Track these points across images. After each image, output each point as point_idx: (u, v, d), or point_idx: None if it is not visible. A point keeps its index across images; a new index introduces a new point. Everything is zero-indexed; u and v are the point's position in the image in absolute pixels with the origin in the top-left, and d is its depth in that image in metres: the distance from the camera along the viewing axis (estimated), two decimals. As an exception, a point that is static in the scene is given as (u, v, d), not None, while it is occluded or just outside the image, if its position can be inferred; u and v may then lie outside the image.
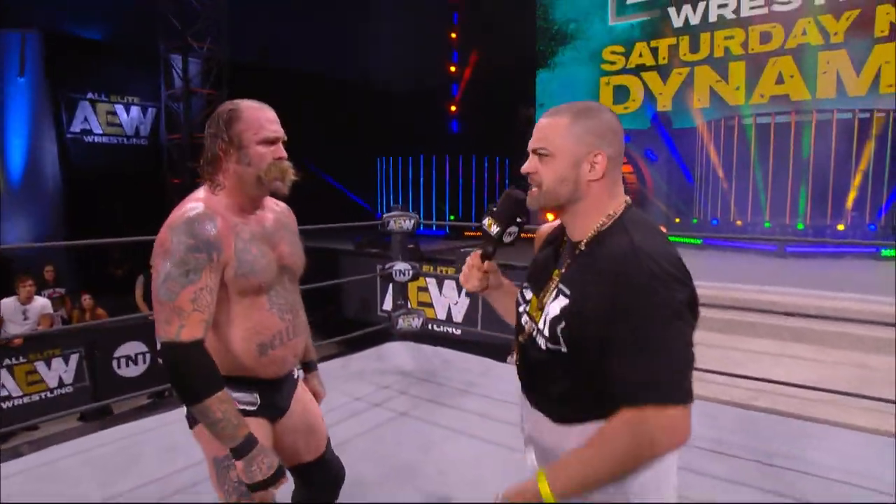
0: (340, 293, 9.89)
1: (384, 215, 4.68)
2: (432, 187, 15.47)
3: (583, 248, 1.17)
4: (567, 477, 1.08)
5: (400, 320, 4.63)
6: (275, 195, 1.57)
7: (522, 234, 1.37)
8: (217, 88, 13.88)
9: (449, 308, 7.76)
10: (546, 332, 1.17)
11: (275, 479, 1.43)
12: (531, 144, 1.21)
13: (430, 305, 7.77)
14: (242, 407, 1.51)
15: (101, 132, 13.95)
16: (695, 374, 1.07)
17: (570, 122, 1.16)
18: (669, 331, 1.02)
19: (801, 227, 10.36)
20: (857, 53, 12.13)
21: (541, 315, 1.20)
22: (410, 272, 4.59)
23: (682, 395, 1.02)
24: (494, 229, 1.32)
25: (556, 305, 1.15)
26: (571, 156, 1.15)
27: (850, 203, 10.22)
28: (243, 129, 1.46)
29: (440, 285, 7.77)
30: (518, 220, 1.32)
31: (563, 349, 1.13)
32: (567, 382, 1.16)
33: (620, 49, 14.89)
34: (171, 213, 1.44)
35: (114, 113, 14.16)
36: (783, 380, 3.76)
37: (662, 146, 13.04)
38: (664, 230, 1.21)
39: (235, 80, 13.73)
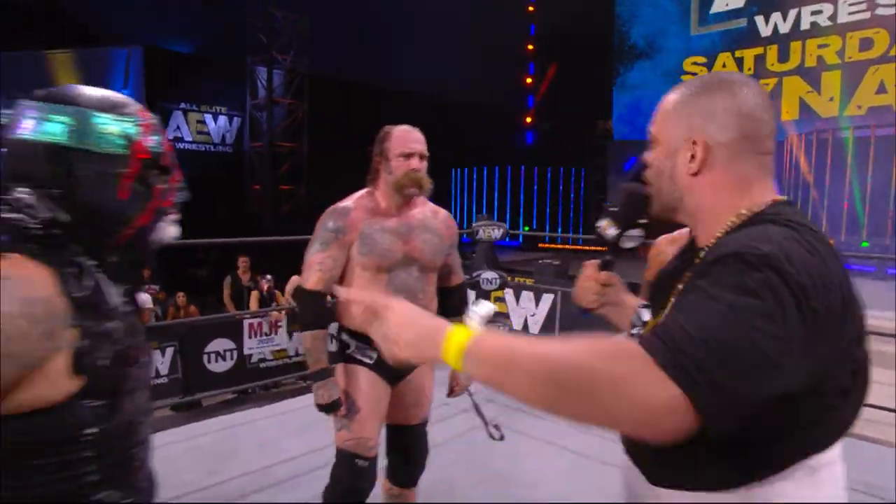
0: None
1: (474, 224, 4.69)
2: (507, 198, 15.43)
3: (703, 255, 0.88)
4: (493, 343, 0.78)
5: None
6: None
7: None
8: (298, 99, 14.42)
9: (526, 319, 7.68)
10: None
11: (330, 407, 1.85)
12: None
13: (507, 316, 7.71)
14: (361, 358, 1.92)
15: (190, 139, 14.74)
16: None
17: (678, 97, 0.94)
18: (730, 305, 0.71)
19: (904, 247, 9.65)
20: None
21: None
22: (498, 281, 4.57)
23: (688, 379, 0.67)
24: (610, 232, 1.07)
25: None
26: (669, 141, 0.94)
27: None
28: (390, 146, 1.89)
29: (517, 296, 7.71)
30: (640, 220, 1.06)
31: None
32: None
33: (702, 59, 14.43)
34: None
35: (203, 122, 14.94)
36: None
37: (747, 159, 12.52)
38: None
39: (314, 91, 14.22)
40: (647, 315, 1.04)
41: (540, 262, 8.57)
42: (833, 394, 0.80)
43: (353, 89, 14.73)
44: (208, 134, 15.09)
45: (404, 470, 2.12)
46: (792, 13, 13.32)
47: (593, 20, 15.22)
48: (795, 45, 13.32)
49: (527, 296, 7.64)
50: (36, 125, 0.77)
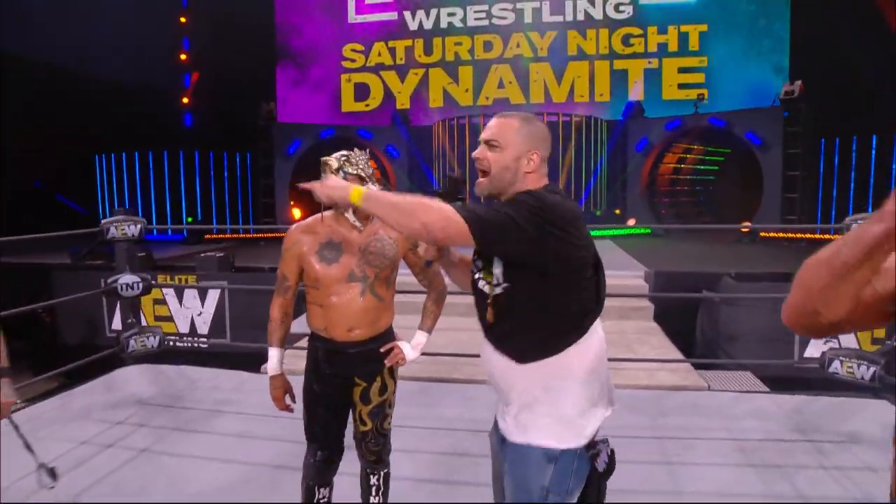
0: (56, 316, 8.28)
1: (103, 221, 4.01)
2: (165, 187, 13.82)
3: None
4: (379, 195, 1.43)
5: (132, 342, 4.03)
6: None
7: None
8: None
9: (192, 319, 7.07)
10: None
11: None
12: (484, 135, 1.53)
13: (171, 319, 6.98)
14: None
15: None
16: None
17: (520, 124, 1.50)
18: (502, 213, 1.36)
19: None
20: (558, 67, 14.42)
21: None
22: (140, 285, 4.02)
23: (469, 217, 1.34)
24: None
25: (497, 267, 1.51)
26: (516, 150, 1.49)
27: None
28: None
29: (180, 296, 7.02)
30: (460, 196, 1.57)
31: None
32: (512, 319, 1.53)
33: (360, 47, 15.17)
34: None
35: None
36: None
37: (403, 142, 13.62)
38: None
39: None
40: (480, 263, 1.58)
41: (201, 255, 7.87)
42: (581, 277, 1.46)
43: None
44: None
45: None
46: (433, 12, 14.92)
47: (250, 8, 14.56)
48: (437, 41, 14.98)
49: (190, 294, 7.00)
50: None
